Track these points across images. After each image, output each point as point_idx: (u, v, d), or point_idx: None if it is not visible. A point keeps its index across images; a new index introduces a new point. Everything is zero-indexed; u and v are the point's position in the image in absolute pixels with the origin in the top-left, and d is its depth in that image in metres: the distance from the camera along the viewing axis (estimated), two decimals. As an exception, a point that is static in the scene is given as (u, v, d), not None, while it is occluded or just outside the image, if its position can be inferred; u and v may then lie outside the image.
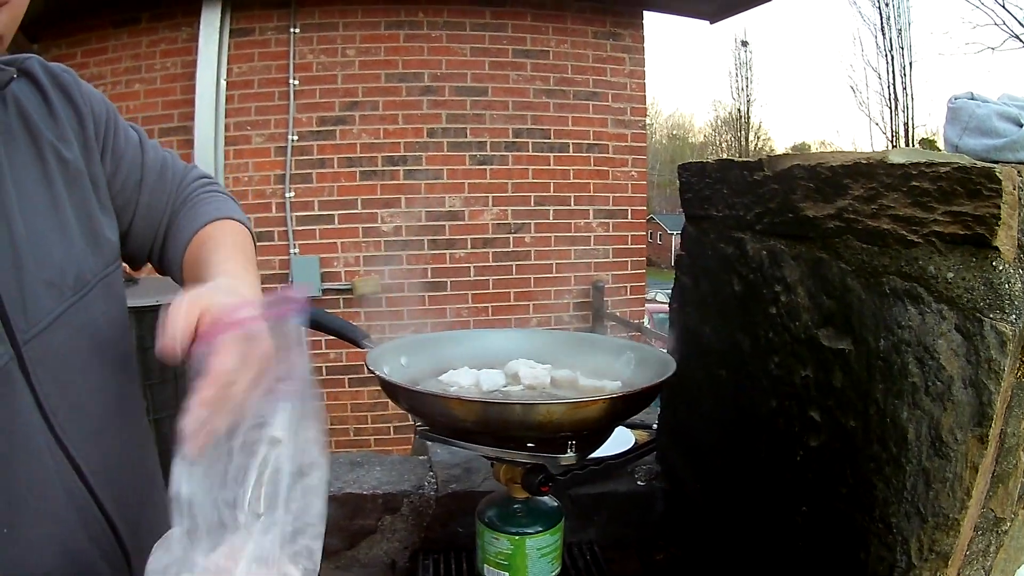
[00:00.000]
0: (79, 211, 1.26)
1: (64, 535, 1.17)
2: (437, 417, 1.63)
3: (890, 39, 34.47)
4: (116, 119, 1.41)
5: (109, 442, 1.24)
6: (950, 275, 1.30)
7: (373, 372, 1.68)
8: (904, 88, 34.27)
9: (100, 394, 1.26)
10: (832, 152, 1.59)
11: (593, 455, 2.31)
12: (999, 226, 1.23)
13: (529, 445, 1.58)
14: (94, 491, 1.21)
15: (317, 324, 1.97)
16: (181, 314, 1.07)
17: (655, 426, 2.58)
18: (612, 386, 1.82)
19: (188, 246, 1.45)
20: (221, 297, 1.14)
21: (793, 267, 1.67)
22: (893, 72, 34.46)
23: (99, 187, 1.33)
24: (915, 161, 1.35)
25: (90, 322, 1.25)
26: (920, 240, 1.35)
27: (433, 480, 2.37)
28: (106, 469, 1.21)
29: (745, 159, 1.88)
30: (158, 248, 1.51)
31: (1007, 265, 1.25)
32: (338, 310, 6.50)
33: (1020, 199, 1.26)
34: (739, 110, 50.64)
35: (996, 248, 1.24)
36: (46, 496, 1.15)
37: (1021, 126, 1.49)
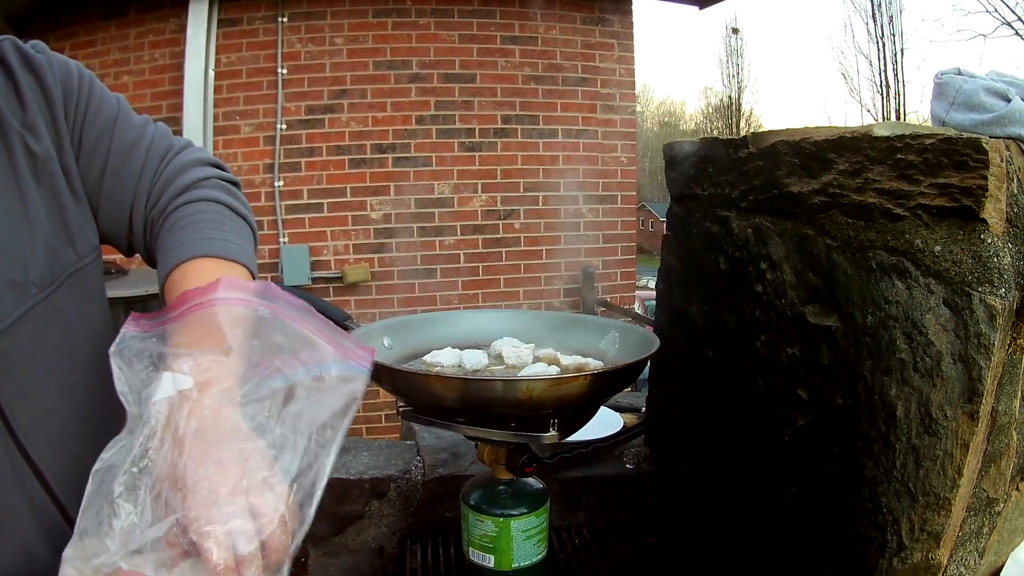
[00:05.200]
0: (49, 203, 1.22)
1: (26, 546, 1.13)
2: (419, 396, 1.61)
3: (881, 26, 34.49)
4: (90, 90, 1.33)
5: (77, 446, 1.17)
6: (937, 248, 1.29)
7: (354, 352, 1.66)
8: (895, 75, 34.32)
9: (69, 396, 1.22)
10: (816, 127, 1.58)
11: (581, 438, 2.31)
12: (986, 198, 1.22)
13: (511, 424, 1.57)
14: (59, 500, 1.18)
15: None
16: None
17: (644, 410, 2.57)
18: (594, 364, 1.81)
19: (166, 284, 1.27)
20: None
21: (778, 244, 1.65)
22: (884, 59, 34.50)
23: (71, 175, 1.28)
24: (900, 133, 1.34)
25: (59, 320, 1.21)
26: (906, 213, 1.33)
27: (420, 464, 2.36)
28: (73, 476, 1.14)
29: (730, 137, 1.86)
30: (139, 245, 1.40)
31: (995, 238, 1.24)
32: (329, 299, 6.49)
33: (1008, 172, 1.25)
34: (730, 97, 50.72)
35: (984, 220, 1.23)
36: (5, 505, 1.11)
37: (1009, 101, 1.48)
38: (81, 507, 0.94)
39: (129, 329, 1.08)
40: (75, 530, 0.93)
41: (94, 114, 1.33)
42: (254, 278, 1.34)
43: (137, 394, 1.02)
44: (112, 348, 1.05)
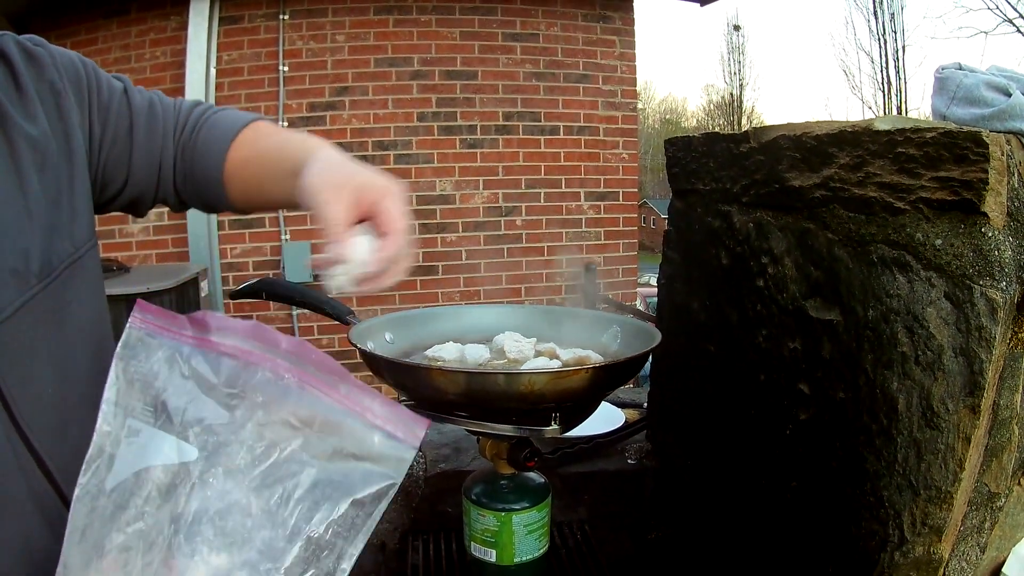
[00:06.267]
0: (48, 193, 1.22)
1: (26, 534, 1.13)
2: (421, 390, 1.61)
3: (883, 23, 34.46)
4: (96, 76, 1.38)
5: (78, 435, 1.15)
6: (938, 242, 1.29)
7: (355, 346, 1.66)
8: (897, 72, 34.30)
9: (70, 385, 1.22)
10: (817, 121, 1.58)
11: (583, 434, 2.31)
12: (987, 191, 1.22)
13: (513, 418, 1.57)
14: (60, 487, 1.17)
15: (301, 300, 1.95)
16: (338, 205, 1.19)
17: (646, 405, 2.58)
18: (595, 358, 1.81)
19: (227, 158, 1.45)
20: (360, 174, 1.27)
21: (780, 238, 1.65)
22: (886, 56, 34.47)
23: (75, 163, 1.29)
24: (901, 127, 1.34)
25: (58, 310, 1.21)
26: (907, 207, 1.33)
27: (422, 460, 2.36)
28: (74, 464, 1.13)
29: (731, 132, 1.87)
30: (169, 179, 1.48)
31: (996, 232, 1.24)
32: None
33: (1009, 166, 1.25)
34: (732, 94, 50.68)
35: (985, 214, 1.23)
36: (7, 492, 1.11)
37: (1009, 95, 1.48)
38: (67, 537, 0.94)
39: (136, 324, 1.02)
40: (60, 562, 0.93)
41: (107, 95, 1.39)
42: None
43: (122, 417, 0.98)
44: (118, 349, 1.00)
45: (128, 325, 1.01)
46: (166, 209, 1.58)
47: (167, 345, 1.02)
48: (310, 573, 0.94)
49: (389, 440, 0.99)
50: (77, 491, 0.94)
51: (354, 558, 0.95)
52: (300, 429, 0.99)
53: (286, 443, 0.98)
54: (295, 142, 1.42)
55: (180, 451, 0.97)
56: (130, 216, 1.55)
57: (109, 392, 0.98)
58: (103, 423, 0.97)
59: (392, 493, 0.97)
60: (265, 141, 1.46)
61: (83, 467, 0.95)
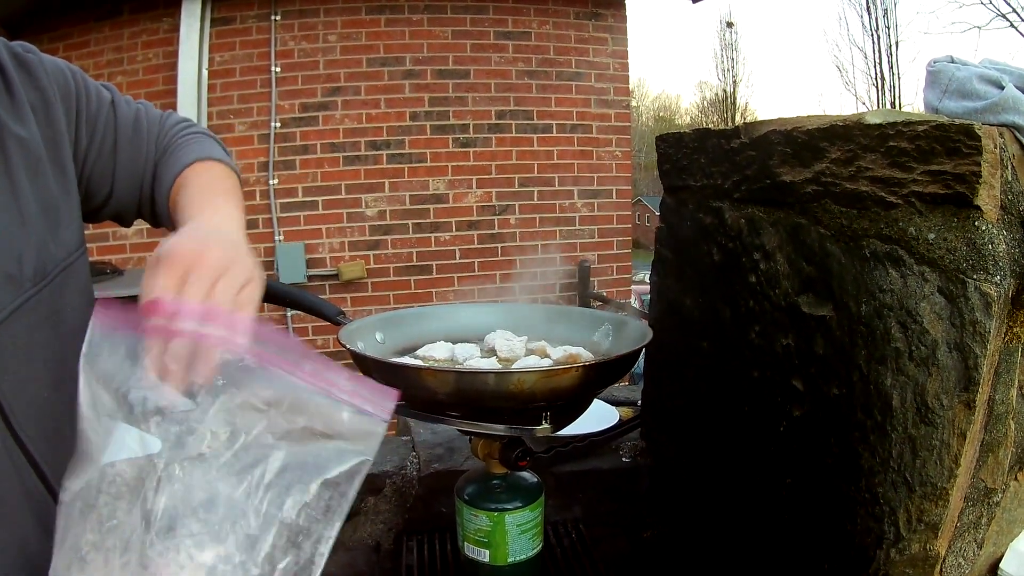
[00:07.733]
0: (40, 199, 1.23)
1: (22, 537, 1.14)
2: (412, 390, 1.59)
3: (876, 18, 34.46)
4: (85, 85, 1.38)
5: (72, 438, 1.18)
6: (931, 236, 1.28)
7: (345, 347, 1.66)
8: (891, 68, 34.32)
9: (63, 388, 1.19)
10: (808, 116, 1.57)
11: (577, 432, 2.30)
12: (980, 184, 1.21)
13: (504, 418, 1.56)
14: (54, 490, 1.17)
15: (291, 300, 1.95)
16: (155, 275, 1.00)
17: (640, 403, 2.57)
18: (586, 356, 1.80)
19: (170, 193, 1.42)
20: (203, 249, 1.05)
21: (772, 234, 1.65)
22: (879, 51, 34.48)
23: (64, 170, 1.30)
24: (892, 121, 1.33)
25: (51, 314, 1.22)
26: (899, 201, 1.32)
27: (416, 460, 2.35)
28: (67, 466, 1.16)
29: (722, 127, 1.86)
30: (147, 202, 1.49)
31: (990, 225, 1.23)
32: (325, 296, 6.47)
33: (1002, 159, 1.24)
34: (725, 91, 50.71)
35: (978, 207, 1.23)
36: (3, 496, 1.12)
37: (1002, 88, 1.47)
38: (55, 544, 0.93)
39: (98, 323, 1.00)
40: (51, 567, 0.92)
41: (96, 106, 1.40)
42: (235, 172, 1.53)
43: (97, 420, 0.97)
44: (84, 350, 0.98)
45: (90, 326, 0.99)
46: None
47: (128, 338, 0.99)
48: (287, 560, 0.92)
49: (358, 415, 0.97)
50: (61, 495, 0.94)
51: (331, 541, 0.93)
52: (265, 411, 0.97)
53: (252, 426, 0.96)
54: (192, 202, 1.36)
55: (144, 444, 0.95)
56: None
57: (83, 396, 0.97)
58: (80, 424, 0.96)
59: (365, 470, 0.94)
60: (186, 190, 1.41)
61: (66, 471, 0.95)
